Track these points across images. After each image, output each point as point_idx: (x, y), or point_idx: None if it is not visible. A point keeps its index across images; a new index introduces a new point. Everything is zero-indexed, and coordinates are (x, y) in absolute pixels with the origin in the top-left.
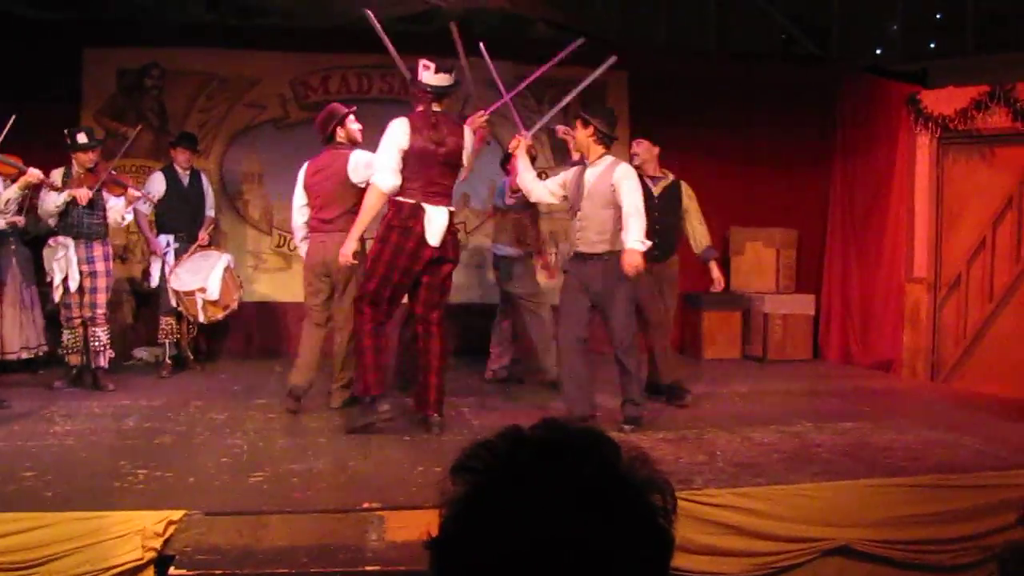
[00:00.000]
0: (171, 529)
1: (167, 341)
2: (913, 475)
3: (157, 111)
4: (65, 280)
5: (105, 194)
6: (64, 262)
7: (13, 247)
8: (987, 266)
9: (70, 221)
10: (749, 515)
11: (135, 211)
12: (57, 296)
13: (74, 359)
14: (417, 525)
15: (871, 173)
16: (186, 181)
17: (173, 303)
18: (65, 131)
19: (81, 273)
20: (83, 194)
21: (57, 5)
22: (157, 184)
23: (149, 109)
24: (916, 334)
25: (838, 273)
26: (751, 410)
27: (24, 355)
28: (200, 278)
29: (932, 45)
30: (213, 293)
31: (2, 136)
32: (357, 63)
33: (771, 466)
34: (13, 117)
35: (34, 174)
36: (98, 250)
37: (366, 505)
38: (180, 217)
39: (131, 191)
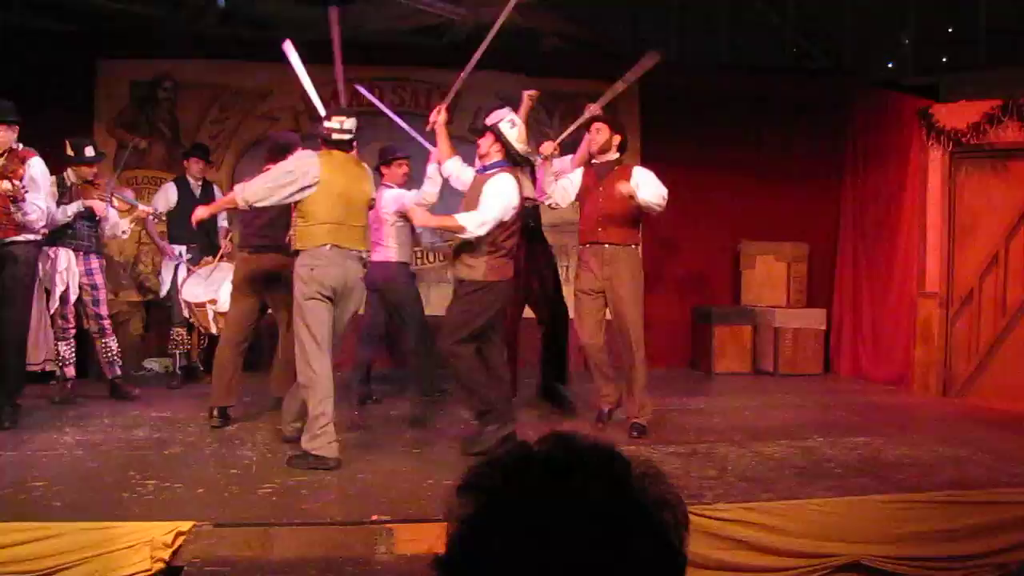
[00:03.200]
0: (180, 540)
1: (177, 352)
2: (925, 491)
3: (169, 123)
4: (65, 292)
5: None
6: (66, 274)
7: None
8: (1000, 281)
9: (70, 232)
10: (760, 530)
11: (146, 221)
12: (53, 308)
13: (69, 371)
14: (426, 538)
15: (883, 187)
16: (198, 192)
17: (185, 314)
18: (68, 141)
19: (81, 287)
20: (100, 206)
21: (72, 17)
22: (170, 195)
23: (161, 121)
24: (928, 349)
25: (849, 287)
26: (762, 424)
27: (48, 367)
28: (211, 290)
29: (944, 59)
30: (224, 305)
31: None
32: (368, 76)
33: (782, 481)
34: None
35: (144, 211)
36: (95, 263)
37: (375, 517)
38: (192, 228)
39: (141, 207)
